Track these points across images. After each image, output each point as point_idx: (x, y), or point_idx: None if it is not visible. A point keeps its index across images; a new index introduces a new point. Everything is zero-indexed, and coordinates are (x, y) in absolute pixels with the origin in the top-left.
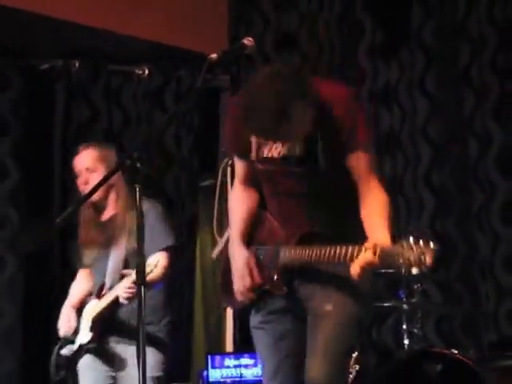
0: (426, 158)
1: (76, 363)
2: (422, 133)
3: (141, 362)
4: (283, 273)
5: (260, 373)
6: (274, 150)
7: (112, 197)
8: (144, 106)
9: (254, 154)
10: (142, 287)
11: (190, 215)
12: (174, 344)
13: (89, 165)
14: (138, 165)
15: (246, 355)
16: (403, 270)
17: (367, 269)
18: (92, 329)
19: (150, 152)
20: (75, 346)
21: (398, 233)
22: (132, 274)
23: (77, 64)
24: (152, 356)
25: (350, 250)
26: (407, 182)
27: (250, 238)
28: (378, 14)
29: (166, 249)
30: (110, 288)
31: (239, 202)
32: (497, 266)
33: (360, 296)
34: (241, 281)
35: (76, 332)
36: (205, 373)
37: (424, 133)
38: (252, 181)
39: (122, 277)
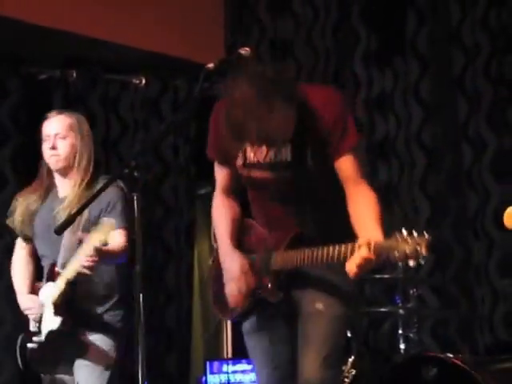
0: (421, 164)
1: (49, 352)
2: (416, 139)
3: (140, 365)
4: (277, 279)
5: None
6: (260, 155)
7: (74, 172)
8: (141, 114)
9: (239, 161)
10: (141, 295)
11: (188, 223)
12: (127, 332)
13: (59, 130)
14: (136, 173)
15: (243, 361)
16: (400, 264)
17: (364, 266)
18: (57, 313)
19: (148, 160)
20: (43, 335)
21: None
22: (91, 240)
23: (74, 74)
24: (103, 343)
25: (343, 250)
26: (402, 188)
27: (238, 247)
28: (372, 22)
29: (123, 227)
30: (63, 267)
31: (222, 211)
32: (492, 271)
33: (348, 299)
34: (235, 286)
35: (39, 321)
36: (203, 378)
37: (419, 139)
38: (233, 189)
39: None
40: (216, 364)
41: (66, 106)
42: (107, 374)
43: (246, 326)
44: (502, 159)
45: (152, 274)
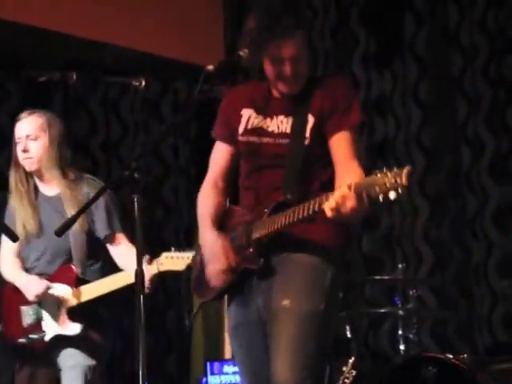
0: (420, 165)
1: (54, 356)
2: (415, 141)
3: (140, 365)
4: (258, 246)
5: None
6: (263, 122)
7: (48, 173)
8: (141, 116)
9: (241, 126)
10: (141, 296)
11: (188, 224)
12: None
13: (30, 132)
14: (137, 175)
15: None
16: (381, 198)
17: (343, 205)
18: (74, 319)
19: (148, 162)
20: (48, 335)
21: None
22: (155, 264)
23: (74, 76)
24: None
25: (323, 198)
26: (402, 190)
27: (219, 228)
28: (371, 25)
29: (122, 231)
30: (82, 274)
31: (208, 195)
32: (491, 271)
33: (324, 292)
34: (217, 263)
35: (38, 321)
36: (204, 379)
37: (418, 141)
38: (228, 174)
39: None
40: (216, 365)
41: (65, 109)
42: (91, 372)
43: (231, 323)
44: (501, 160)
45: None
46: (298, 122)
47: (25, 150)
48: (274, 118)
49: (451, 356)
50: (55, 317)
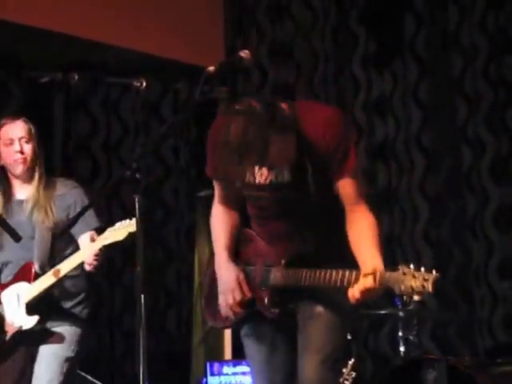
0: (420, 166)
1: (12, 347)
2: (416, 142)
3: (141, 366)
4: (273, 294)
5: None
6: (261, 177)
7: (36, 173)
8: (142, 117)
9: (238, 183)
10: (142, 296)
11: (188, 225)
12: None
13: (23, 134)
14: (137, 176)
15: (244, 362)
16: (404, 298)
17: (367, 294)
18: (31, 313)
19: (149, 163)
20: (8, 334)
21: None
22: (105, 239)
23: (76, 77)
24: (68, 333)
25: (347, 275)
26: (402, 190)
27: (235, 257)
28: (371, 26)
29: (95, 229)
30: (41, 270)
31: (221, 220)
32: (491, 273)
33: (344, 307)
34: (229, 295)
35: None
36: (204, 380)
37: (418, 141)
38: (233, 200)
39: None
40: (216, 365)
41: (67, 110)
42: (67, 364)
43: (245, 329)
44: (501, 161)
45: (153, 276)
46: (298, 170)
47: (21, 151)
48: (274, 169)
49: (451, 358)
50: (14, 314)
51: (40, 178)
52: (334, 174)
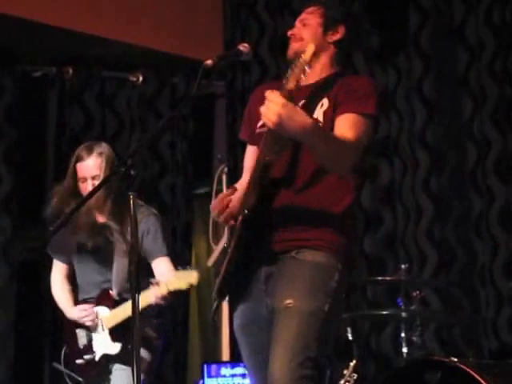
0: (424, 163)
1: (97, 369)
2: (420, 138)
3: (135, 367)
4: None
5: None
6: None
7: (108, 202)
8: (138, 112)
9: (260, 122)
10: (137, 295)
11: (185, 223)
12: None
13: (96, 173)
14: (133, 172)
15: (242, 364)
16: (293, 78)
17: (270, 105)
18: (115, 339)
19: (145, 159)
20: (97, 356)
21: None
22: (171, 284)
23: (70, 71)
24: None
25: None
26: (405, 188)
27: None
28: (374, 19)
29: (167, 254)
30: (119, 296)
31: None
32: (496, 273)
33: (329, 292)
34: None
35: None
36: (201, 382)
37: (422, 138)
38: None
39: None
40: (214, 367)
41: (61, 104)
42: (142, 377)
43: (235, 321)
44: (507, 159)
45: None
46: (310, 105)
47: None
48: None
49: (456, 359)
50: (101, 337)
51: (114, 204)
52: (343, 109)
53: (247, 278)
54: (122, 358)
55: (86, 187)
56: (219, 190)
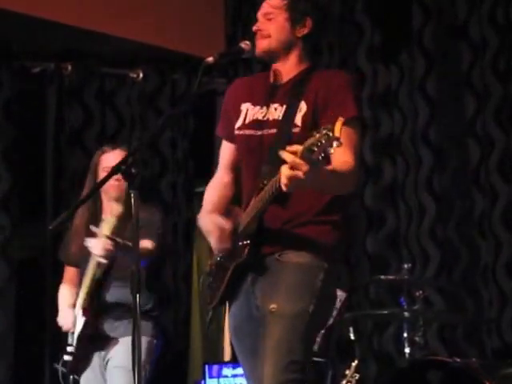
0: (427, 162)
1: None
2: (422, 137)
3: (136, 368)
4: (246, 239)
5: None
6: (259, 114)
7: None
8: (138, 109)
9: (238, 122)
10: (137, 295)
11: (186, 221)
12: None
13: None
14: (133, 170)
15: None
16: (320, 157)
17: (294, 174)
18: (83, 314)
19: (145, 156)
20: (75, 342)
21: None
22: (101, 229)
23: (69, 67)
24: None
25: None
26: (408, 187)
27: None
28: (377, 17)
29: (154, 240)
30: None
31: (214, 184)
32: (499, 272)
33: (314, 293)
34: (216, 232)
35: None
36: (202, 382)
37: (425, 137)
38: (234, 169)
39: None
40: (215, 367)
41: (60, 101)
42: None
43: (230, 323)
44: (510, 158)
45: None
46: (290, 109)
47: (118, 179)
48: (270, 106)
49: (459, 360)
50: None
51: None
52: (328, 119)
53: (238, 280)
54: (90, 333)
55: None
56: None
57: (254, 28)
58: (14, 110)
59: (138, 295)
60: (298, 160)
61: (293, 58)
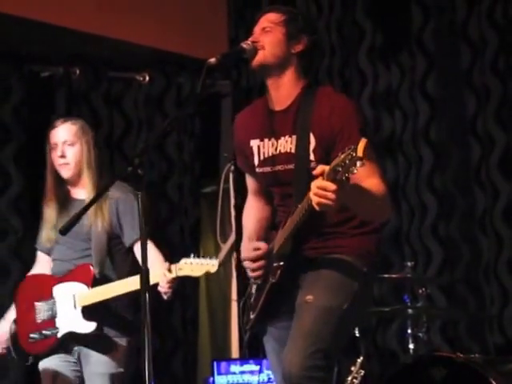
0: (428, 161)
1: (55, 350)
2: (423, 136)
3: (146, 365)
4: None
5: (266, 379)
6: (272, 149)
7: (85, 177)
8: (145, 112)
9: (255, 160)
10: (147, 294)
11: (193, 222)
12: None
13: (67, 138)
14: (140, 171)
15: (251, 361)
16: (344, 178)
17: (323, 194)
18: (89, 318)
19: (152, 158)
20: (60, 332)
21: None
22: (171, 271)
23: (77, 71)
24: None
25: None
26: (410, 186)
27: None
28: (377, 17)
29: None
30: (99, 275)
31: (249, 212)
32: (501, 269)
33: (351, 293)
34: (251, 255)
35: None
36: (211, 379)
37: (426, 136)
38: (264, 193)
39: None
40: (224, 364)
41: (69, 104)
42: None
43: (270, 343)
44: (511, 155)
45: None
46: (301, 143)
47: (62, 156)
48: (281, 139)
49: (462, 355)
50: (69, 314)
51: (91, 182)
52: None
53: (275, 301)
54: (96, 343)
55: (56, 154)
56: (226, 189)
57: (250, 40)
58: (24, 114)
59: (147, 293)
60: (324, 182)
61: (288, 75)
